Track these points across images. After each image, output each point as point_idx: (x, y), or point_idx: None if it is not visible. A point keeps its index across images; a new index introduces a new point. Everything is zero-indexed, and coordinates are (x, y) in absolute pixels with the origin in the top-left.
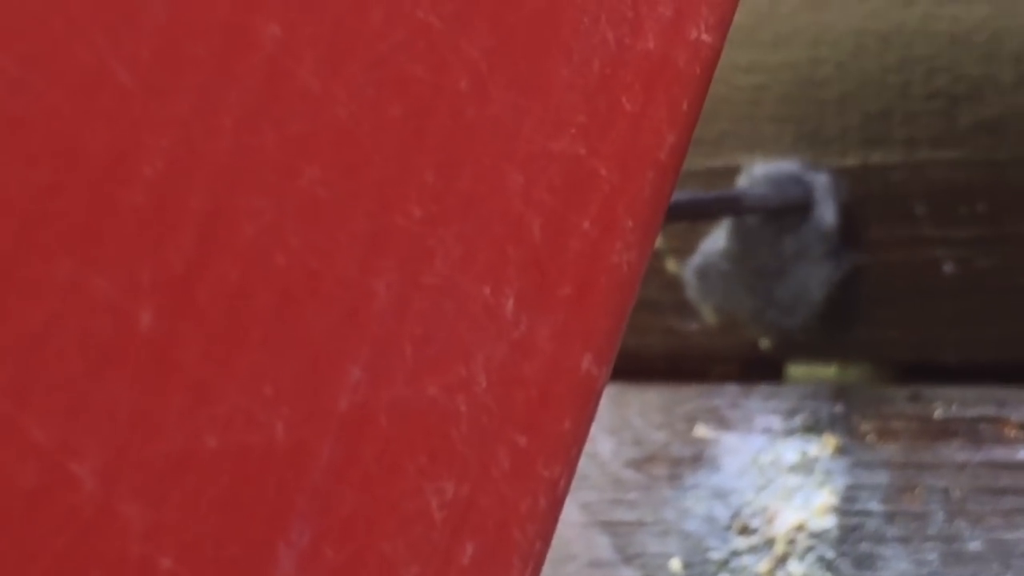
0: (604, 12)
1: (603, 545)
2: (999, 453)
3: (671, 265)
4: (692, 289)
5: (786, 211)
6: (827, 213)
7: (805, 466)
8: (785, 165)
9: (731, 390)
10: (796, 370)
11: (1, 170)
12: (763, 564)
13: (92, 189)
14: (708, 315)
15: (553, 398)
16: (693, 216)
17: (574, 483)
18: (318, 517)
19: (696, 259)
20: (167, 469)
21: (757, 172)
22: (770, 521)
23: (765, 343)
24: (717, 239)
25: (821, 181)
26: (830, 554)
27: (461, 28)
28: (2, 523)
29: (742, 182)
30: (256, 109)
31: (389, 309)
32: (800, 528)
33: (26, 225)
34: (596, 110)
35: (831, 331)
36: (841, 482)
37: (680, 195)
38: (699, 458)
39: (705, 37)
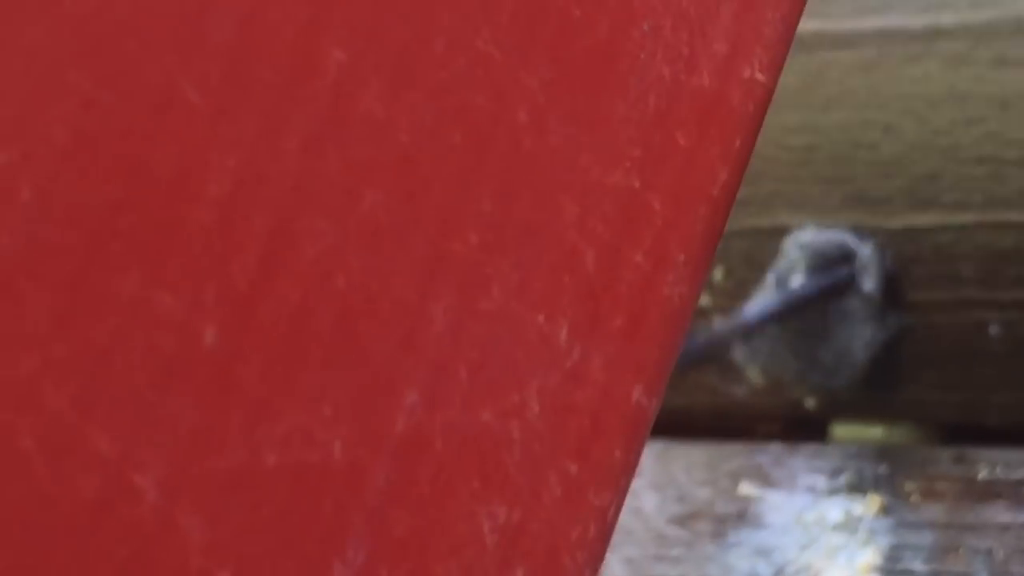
0: (660, 48)
1: None
2: None
3: (717, 324)
4: (737, 351)
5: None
6: (870, 282)
7: (849, 525)
8: (830, 234)
9: (775, 449)
10: (841, 430)
11: (71, 186)
12: None
13: (160, 207)
14: (754, 376)
15: (604, 427)
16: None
17: (618, 538)
18: (373, 537)
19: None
20: (227, 484)
21: (803, 239)
22: None
23: (810, 403)
24: (762, 299)
25: (865, 252)
26: None
27: (521, 60)
28: (66, 532)
29: (787, 246)
30: (320, 132)
31: (446, 334)
32: None
33: (95, 241)
34: (651, 144)
35: (876, 392)
36: (885, 542)
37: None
38: (743, 515)
39: (759, 76)
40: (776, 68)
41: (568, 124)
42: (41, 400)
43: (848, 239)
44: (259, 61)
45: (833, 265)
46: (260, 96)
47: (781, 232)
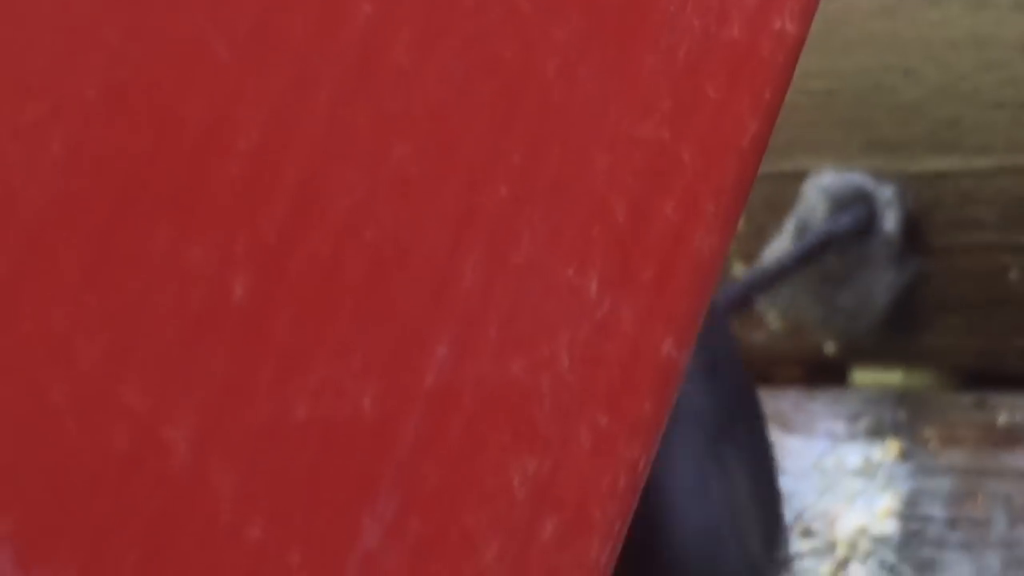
0: (691, 0)
1: None
2: None
3: (738, 269)
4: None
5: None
6: (890, 223)
7: (868, 470)
8: (849, 176)
9: (795, 394)
10: (861, 375)
11: (101, 139)
12: (825, 567)
13: (188, 160)
14: (774, 321)
15: (634, 379)
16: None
17: None
18: (403, 490)
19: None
20: (257, 438)
21: (822, 182)
22: (832, 524)
23: (830, 347)
24: (781, 244)
25: (885, 194)
26: (892, 558)
27: (550, 12)
28: (97, 486)
29: (807, 190)
30: (350, 85)
31: (476, 287)
32: (862, 532)
33: (124, 194)
34: (681, 97)
35: (896, 337)
36: (904, 487)
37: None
38: None
39: (789, 27)
40: (807, 18)
41: (598, 76)
42: (71, 354)
43: (867, 182)
44: (287, 14)
45: (853, 207)
46: (289, 49)
47: (801, 177)
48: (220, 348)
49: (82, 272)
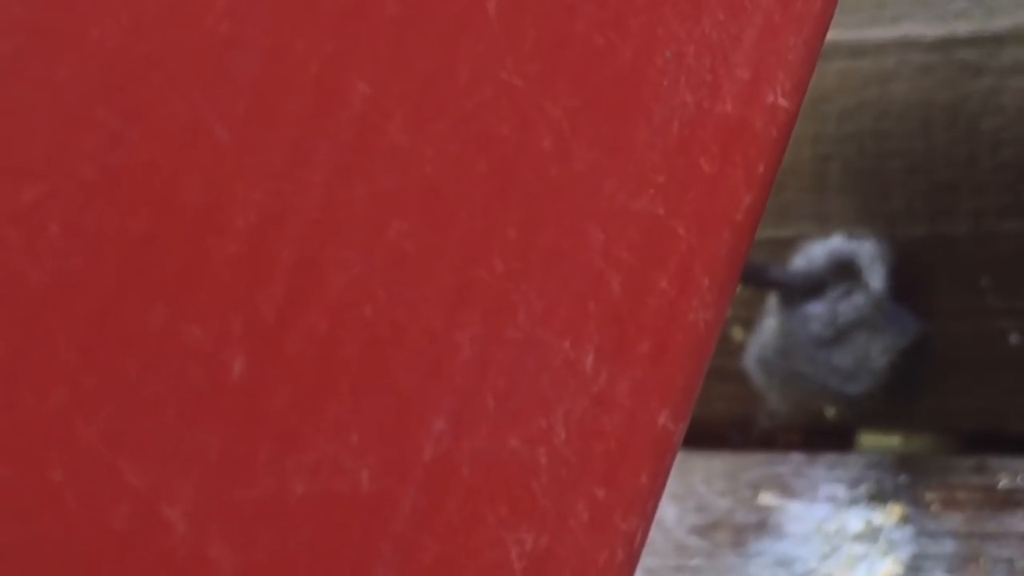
0: (684, 75)
1: None
2: None
3: (737, 333)
4: (756, 380)
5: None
6: (876, 281)
7: (870, 535)
8: (830, 241)
9: (796, 458)
10: (867, 438)
11: (99, 220)
12: None
13: (187, 240)
14: (777, 403)
15: (631, 452)
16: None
17: None
18: (401, 564)
19: (753, 350)
20: (256, 514)
21: (806, 251)
22: None
23: (830, 412)
24: (769, 320)
25: (867, 253)
26: None
27: (544, 88)
28: (98, 563)
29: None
30: (346, 164)
31: (473, 361)
32: None
33: (124, 274)
34: (675, 170)
35: (897, 400)
36: (906, 551)
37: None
38: (763, 525)
39: (782, 101)
40: (799, 92)
41: (592, 151)
42: (71, 433)
43: (848, 243)
44: (284, 94)
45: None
46: (286, 129)
47: (797, 242)
48: (218, 425)
49: (81, 352)
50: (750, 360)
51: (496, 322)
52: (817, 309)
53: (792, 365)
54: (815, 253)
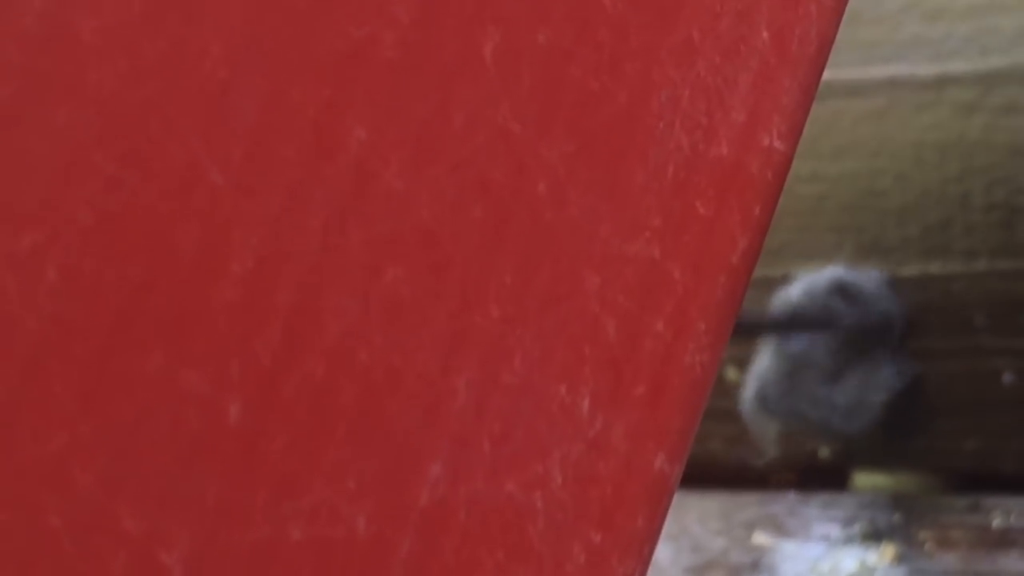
0: (679, 118)
1: None
2: None
3: (731, 374)
4: (752, 419)
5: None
6: (878, 315)
7: (864, 574)
8: (830, 271)
9: (789, 498)
10: (861, 478)
11: (97, 266)
12: None
13: (183, 285)
14: (771, 443)
15: (627, 496)
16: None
17: None
18: None
19: (750, 389)
20: (252, 559)
21: (805, 280)
22: None
23: (824, 452)
24: (764, 360)
25: (870, 285)
26: None
27: (540, 133)
28: None
29: (790, 291)
30: (342, 209)
31: (469, 406)
32: None
33: (120, 319)
34: (671, 214)
35: (890, 440)
36: None
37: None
38: (757, 565)
39: (777, 144)
40: (795, 135)
41: (588, 195)
42: (68, 478)
43: (849, 274)
44: (281, 140)
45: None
46: (282, 174)
47: (792, 281)
48: (215, 471)
49: (78, 397)
50: (746, 400)
51: (492, 367)
52: (814, 345)
53: (790, 403)
54: (813, 285)
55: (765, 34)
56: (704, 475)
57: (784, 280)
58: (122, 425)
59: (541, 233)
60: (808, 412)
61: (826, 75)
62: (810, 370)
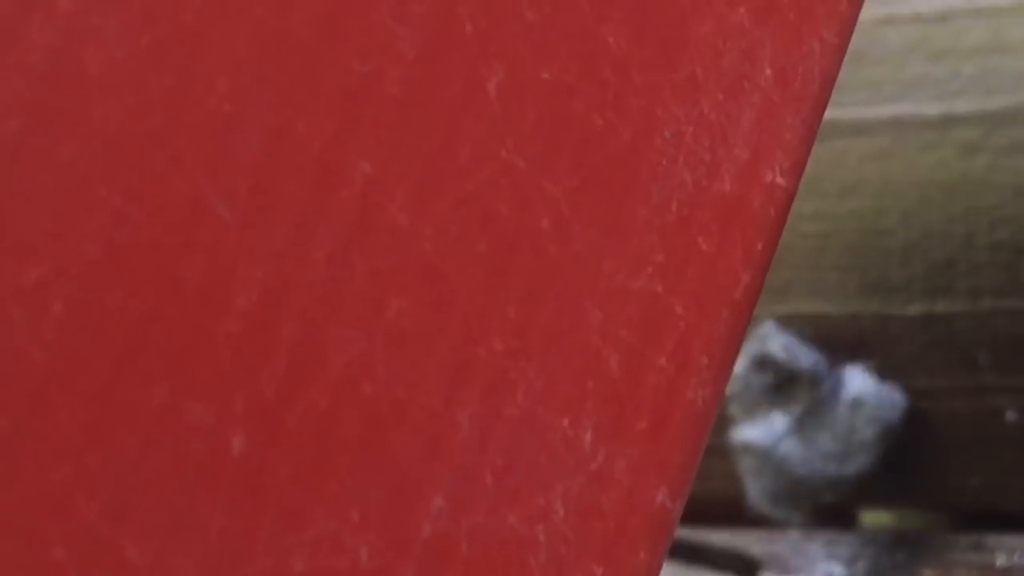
0: (682, 154)
1: None
2: None
3: (735, 410)
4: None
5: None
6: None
7: None
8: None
9: (793, 536)
10: (868, 516)
11: (102, 299)
12: None
13: (188, 318)
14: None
15: (629, 530)
16: None
17: None
18: None
19: (755, 492)
20: None
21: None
22: None
23: (826, 495)
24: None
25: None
26: None
27: (544, 168)
28: None
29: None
30: (347, 243)
31: (471, 439)
32: None
33: (126, 353)
34: (673, 249)
35: (893, 478)
36: None
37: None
38: None
39: (780, 180)
40: (797, 172)
41: (591, 230)
42: (73, 510)
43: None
44: (286, 173)
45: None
46: (287, 208)
47: (795, 319)
48: (219, 502)
49: (83, 430)
50: (756, 498)
51: (495, 400)
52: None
53: (796, 481)
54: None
55: (768, 71)
56: (706, 513)
57: (788, 320)
58: (126, 457)
59: (545, 267)
60: (816, 475)
61: (830, 114)
62: (782, 447)
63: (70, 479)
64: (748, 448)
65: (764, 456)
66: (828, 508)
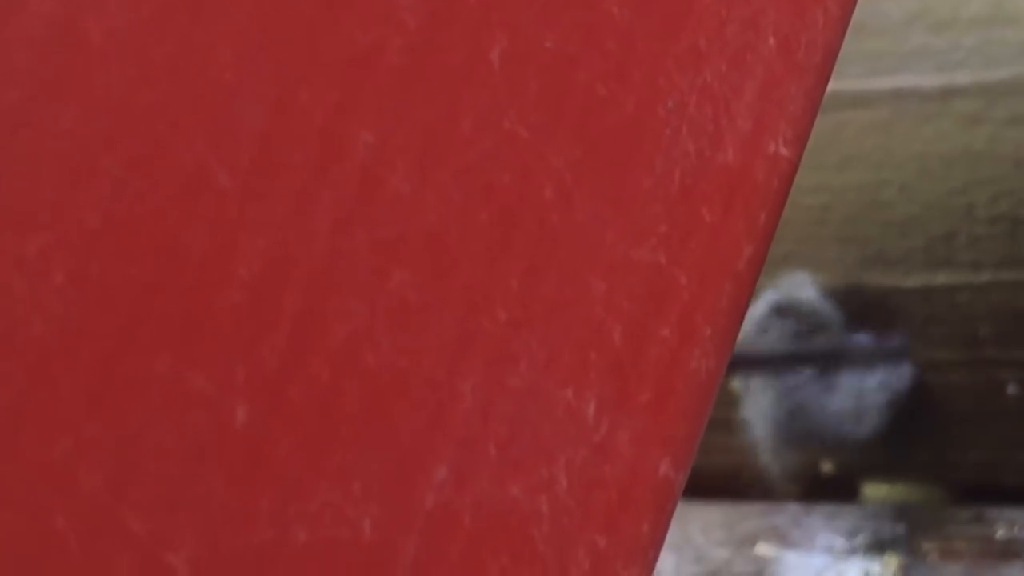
0: (685, 125)
1: None
2: None
3: (735, 383)
4: (767, 460)
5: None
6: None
7: None
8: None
9: (793, 508)
10: (871, 489)
11: (103, 269)
12: None
13: (191, 288)
14: (775, 461)
15: (632, 501)
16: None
17: None
18: None
19: (760, 432)
20: (258, 561)
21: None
22: None
23: (827, 466)
24: (759, 399)
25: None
26: None
27: (547, 138)
28: None
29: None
30: (349, 213)
31: (475, 410)
32: None
33: (128, 323)
34: (677, 220)
35: (894, 451)
36: None
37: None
38: None
39: (783, 151)
40: (800, 142)
41: (594, 201)
42: (75, 481)
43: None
44: (288, 144)
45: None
46: (289, 178)
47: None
48: (221, 473)
49: (85, 400)
50: (759, 439)
51: (498, 371)
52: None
53: (800, 428)
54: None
55: (771, 41)
56: (707, 486)
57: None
58: (129, 427)
59: (548, 238)
60: (818, 429)
61: (831, 86)
62: (802, 391)
63: (72, 450)
64: (766, 390)
65: (782, 399)
66: (829, 480)
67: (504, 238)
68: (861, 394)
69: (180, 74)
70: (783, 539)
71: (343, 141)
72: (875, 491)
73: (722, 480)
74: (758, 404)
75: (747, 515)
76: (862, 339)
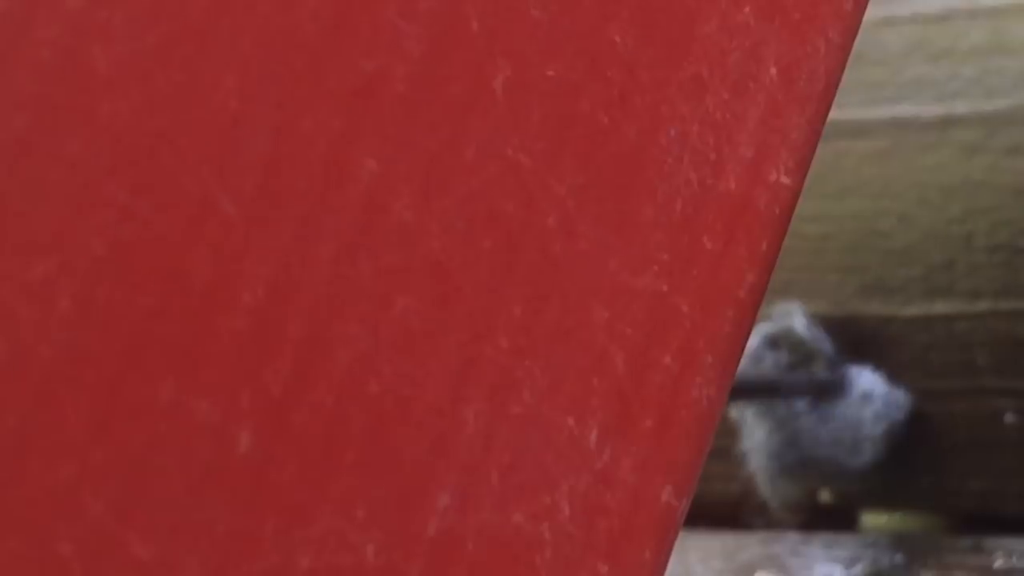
0: (687, 153)
1: None
2: None
3: (733, 411)
4: (768, 492)
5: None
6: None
7: None
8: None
9: (792, 538)
10: (869, 518)
11: (109, 295)
12: None
13: (195, 315)
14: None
15: (634, 528)
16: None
17: None
18: None
19: (757, 463)
20: None
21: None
22: None
23: (824, 495)
24: (755, 431)
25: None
26: None
27: (550, 166)
28: None
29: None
30: (353, 240)
31: (477, 437)
32: None
33: (132, 348)
34: (679, 248)
35: (892, 480)
36: None
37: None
38: None
39: (784, 179)
40: (802, 171)
41: (597, 229)
42: (79, 506)
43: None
44: (292, 171)
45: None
46: (293, 205)
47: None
48: (225, 499)
49: (90, 425)
50: (758, 471)
51: (501, 398)
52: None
53: (797, 460)
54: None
55: (773, 70)
56: (705, 514)
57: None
58: (133, 453)
59: (550, 266)
60: (816, 458)
61: (830, 115)
62: (799, 420)
63: (76, 475)
64: (763, 420)
65: (778, 429)
66: (827, 509)
67: (507, 266)
68: (859, 423)
69: (185, 102)
70: (782, 568)
71: (347, 168)
72: (873, 520)
73: (721, 509)
74: (755, 433)
75: (746, 544)
76: (859, 369)
